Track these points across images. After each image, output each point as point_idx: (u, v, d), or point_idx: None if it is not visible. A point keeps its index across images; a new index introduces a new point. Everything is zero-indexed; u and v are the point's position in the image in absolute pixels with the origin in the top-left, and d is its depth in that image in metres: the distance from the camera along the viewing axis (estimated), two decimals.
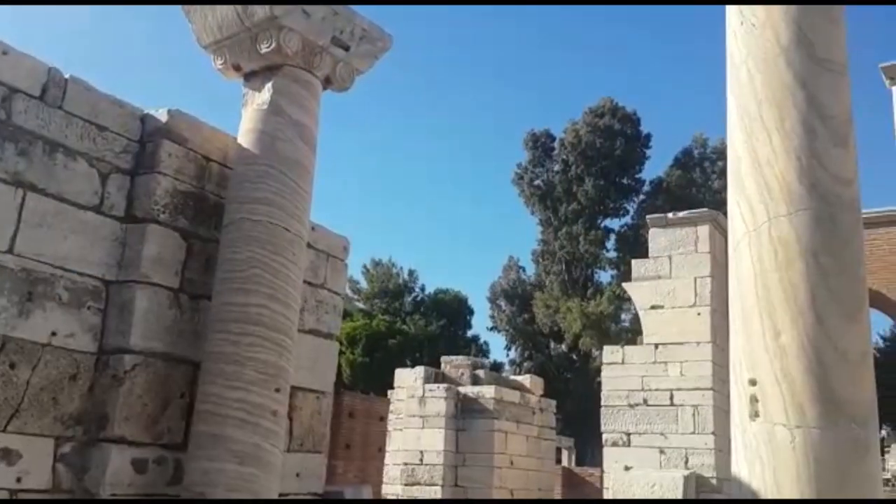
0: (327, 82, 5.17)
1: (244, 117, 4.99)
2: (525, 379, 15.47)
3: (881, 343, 35.06)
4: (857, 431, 2.87)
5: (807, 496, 2.78)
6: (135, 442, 4.34)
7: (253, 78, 5.08)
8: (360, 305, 41.18)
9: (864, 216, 11.94)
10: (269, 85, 4.93)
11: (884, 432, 37.01)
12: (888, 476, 23.96)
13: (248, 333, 4.38)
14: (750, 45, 3.33)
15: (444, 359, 14.72)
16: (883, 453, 29.56)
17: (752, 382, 2.99)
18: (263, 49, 4.90)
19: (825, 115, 3.16)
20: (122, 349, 4.38)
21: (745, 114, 3.31)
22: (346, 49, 5.12)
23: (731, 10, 3.48)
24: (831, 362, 2.89)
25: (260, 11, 4.81)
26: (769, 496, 2.82)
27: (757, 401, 2.95)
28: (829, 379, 2.88)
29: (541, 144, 40.57)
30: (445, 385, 13.44)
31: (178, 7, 5.15)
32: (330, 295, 5.74)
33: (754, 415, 2.94)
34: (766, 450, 2.87)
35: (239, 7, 4.88)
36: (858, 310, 3.02)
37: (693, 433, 12.48)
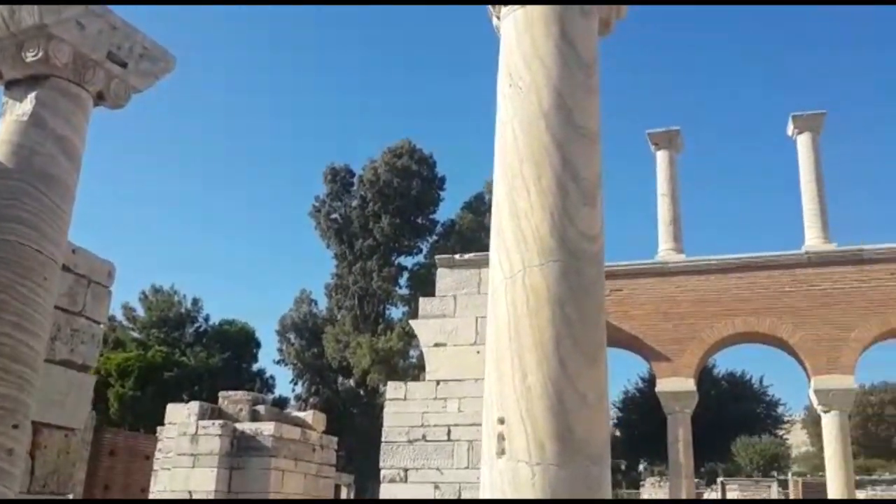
0: (100, 98, 4.88)
1: (1, 128, 4.58)
2: (308, 415, 15.23)
3: (640, 384, 38.34)
4: (591, 468, 3.11)
5: None
6: None
7: (15, 87, 4.69)
8: (136, 335, 38.63)
9: (629, 267, 13.06)
10: (32, 95, 4.56)
11: (641, 467, 40.33)
12: None
13: None
14: (516, 107, 3.58)
15: (221, 394, 14.14)
16: (638, 486, 32.16)
17: (501, 421, 3.15)
18: (29, 57, 4.54)
19: (577, 176, 3.45)
20: None
21: (509, 169, 3.54)
22: (124, 66, 4.87)
23: (502, 73, 3.72)
24: (571, 403, 3.12)
25: (28, 18, 4.46)
26: None
27: (504, 439, 3.11)
28: (569, 419, 3.10)
29: (340, 179, 40.72)
30: (221, 421, 12.90)
31: None
32: (88, 323, 5.33)
33: (501, 452, 3.10)
34: (510, 486, 3.03)
35: (5, 10, 4.50)
36: (597, 355, 3.29)
37: (467, 468, 12.89)
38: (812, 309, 14.59)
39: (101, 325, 5.50)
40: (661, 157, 16.38)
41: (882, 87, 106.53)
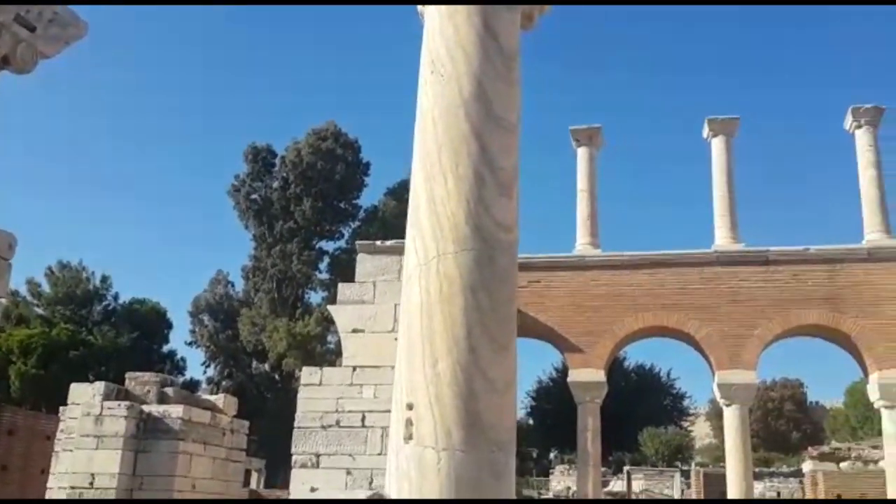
0: (5, 62, 4.65)
1: None
2: (219, 398, 14.95)
3: (554, 374, 39.13)
4: (497, 454, 3.16)
5: None
6: None
7: None
8: (40, 311, 37.09)
9: (546, 260, 13.21)
10: None
11: (552, 455, 41.19)
12: (551, 496, 26.66)
13: None
14: (437, 94, 3.59)
15: (129, 375, 13.72)
16: (548, 474, 32.88)
17: (409, 407, 3.17)
18: None
19: (495, 166, 3.49)
20: None
21: (427, 156, 3.55)
22: (32, 30, 4.66)
23: (425, 60, 3.72)
24: (480, 390, 3.16)
25: None
26: None
27: (412, 424, 3.14)
28: (477, 405, 3.14)
29: (261, 159, 39.99)
30: (128, 403, 12.53)
31: None
32: None
33: (408, 437, 3.13)
34: (416, 471, 3.06)
35: None
36: (507, 343, 3.35)
37: (380, 454, 12.90)
38: (718, 306, 15.15)
39: (2, 300, 5.26)
40: (582, 153, 16.68)
41: (794, 90, 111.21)
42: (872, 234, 15.12)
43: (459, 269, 3.29)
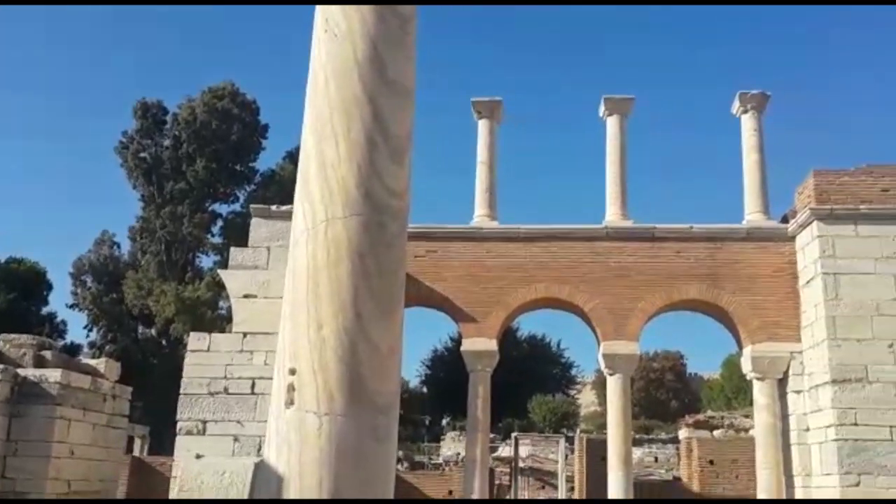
0: None
1: None
2: (100, 363, 14.37)
3: (449, 343, 39.69)
4: (379, 418, 3.16)
5: (325, 478, 2.99)
6: None
7: None
8: None
9: (444, 230, 13.19)
10: None
11: (444, 422, 41.86)
12: (440, 461, 27.13)
13: None
14: (330, 54, 3.50)
15: (2, 336, 12.99)
16: (439, 440, 33.44)
17: (292, 372, 3.13)
18: None
19: (388, 131, 3.44)
20: None
21: (319, 118, 3.47)
22: None
23: (319, 19, 3.61)
24: (364, 355, 3.15)
25: None
26: (292, 479, 2.98)
27: (294, 389, 3.10)
28: (361, 370, 3.13)
29: (151, 115, 38.32)
30: (2, 366, 11.88)
31: None
32: None
33: (290, 402, 3.09)
34: (296, 436, 3.02)
35: None
36: (394, 309, 3.34)
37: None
38: (607, 280, 15.66)
39: None
40: (483, 125, 16.78)
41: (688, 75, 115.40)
42: (752, 215, 15.93)
43: (348, 233, 3.25)
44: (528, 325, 45.87)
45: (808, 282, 14.39)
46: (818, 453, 13.61)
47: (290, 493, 2.97)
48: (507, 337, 33.36)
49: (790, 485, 14.39)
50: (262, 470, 3.18)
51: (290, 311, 3.26)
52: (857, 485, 12.63)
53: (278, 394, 3.16)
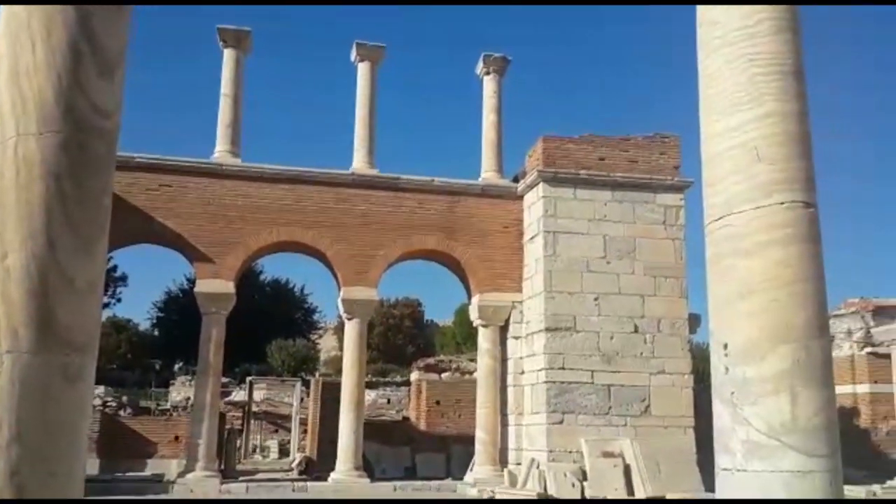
0: None
1: None
2: None
3: (186, 285, 37.88)
4: (72, 357, 2.90)
5: (11, 421, 2.71)
6: None
7: None
8: None
9: (180, 163, 12.47)
10: None
11: (176, 367, 40.13)
12: (168, 407, 26.01)
13: None
14: None
15: None
16: (168, 385, 32.06)
17: None
18: None
19: (97, 44, 3.10)
20: None
21: (15, 15, 3.05)
22: None
23: None
24: (57, 288, 2.86)
25: None
26: None
27: None
28: (52, 305, 2.84)
29: None
30: None
31: None
32: None
33: None
34: None
35: None
36: (95, 240, 3.06)
37: None
38: (351, 226, 15.84)
39: None
40: (229, 55, 16.00)
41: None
42: (487, 173, 16.87)
43: (43, 152, 2.91)
44: (272, 269, 45.24)
45: (531, 238, 15.62)
46: (530, 394, 14.98)
47: None
48: (249, 280, 32.61)
49: (504, 423, 15.73)
50: None
51: None
52: (561, 422, 14.11)
53: None
